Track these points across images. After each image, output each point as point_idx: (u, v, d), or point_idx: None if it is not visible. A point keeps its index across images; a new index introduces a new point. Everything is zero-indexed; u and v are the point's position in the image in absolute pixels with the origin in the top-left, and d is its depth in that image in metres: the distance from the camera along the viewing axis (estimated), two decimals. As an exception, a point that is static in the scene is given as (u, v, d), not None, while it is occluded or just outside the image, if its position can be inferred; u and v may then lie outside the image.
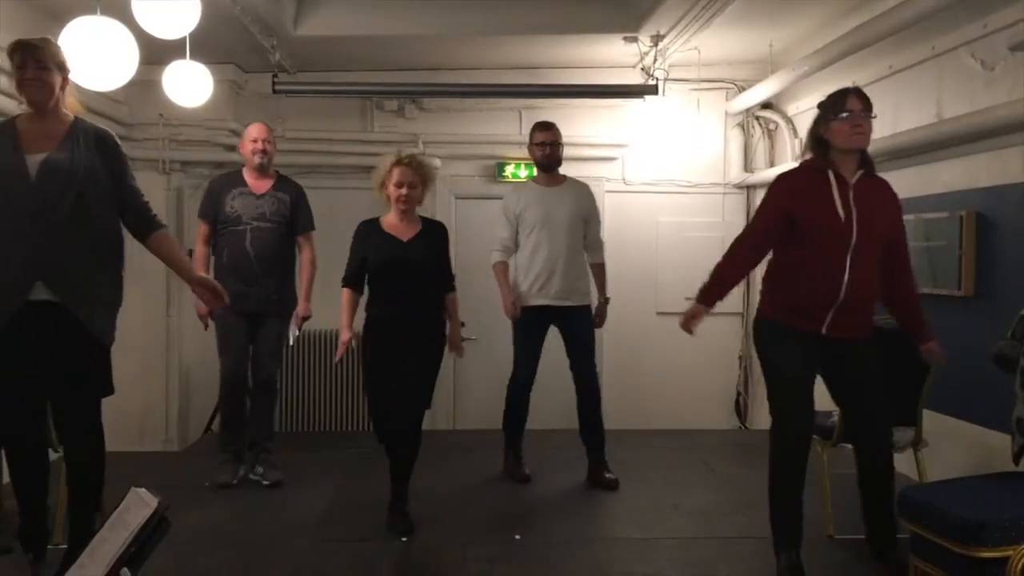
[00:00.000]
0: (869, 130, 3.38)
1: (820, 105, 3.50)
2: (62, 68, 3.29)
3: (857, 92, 3.41)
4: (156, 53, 4.45)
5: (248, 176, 4.84)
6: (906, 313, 3.55)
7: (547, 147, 4.94)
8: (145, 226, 3.39)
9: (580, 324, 4.90)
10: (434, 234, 4.29)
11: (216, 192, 4.83)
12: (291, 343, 4.93)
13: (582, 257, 4.97)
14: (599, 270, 5.02)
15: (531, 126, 5.12)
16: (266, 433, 4.94)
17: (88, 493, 3.35)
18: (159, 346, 6.47)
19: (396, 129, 6.91)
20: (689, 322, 3.49)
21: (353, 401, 6.80)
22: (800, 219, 3.38)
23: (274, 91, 6.20)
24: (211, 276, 4.77)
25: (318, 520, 4.26)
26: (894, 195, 3.54)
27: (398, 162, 4.19)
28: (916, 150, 4.88)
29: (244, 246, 4.72)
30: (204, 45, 4.93)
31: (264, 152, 4.79)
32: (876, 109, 5.28)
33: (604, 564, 3.73)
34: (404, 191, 4.14)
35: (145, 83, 4.74)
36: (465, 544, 3.56)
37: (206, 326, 4.91)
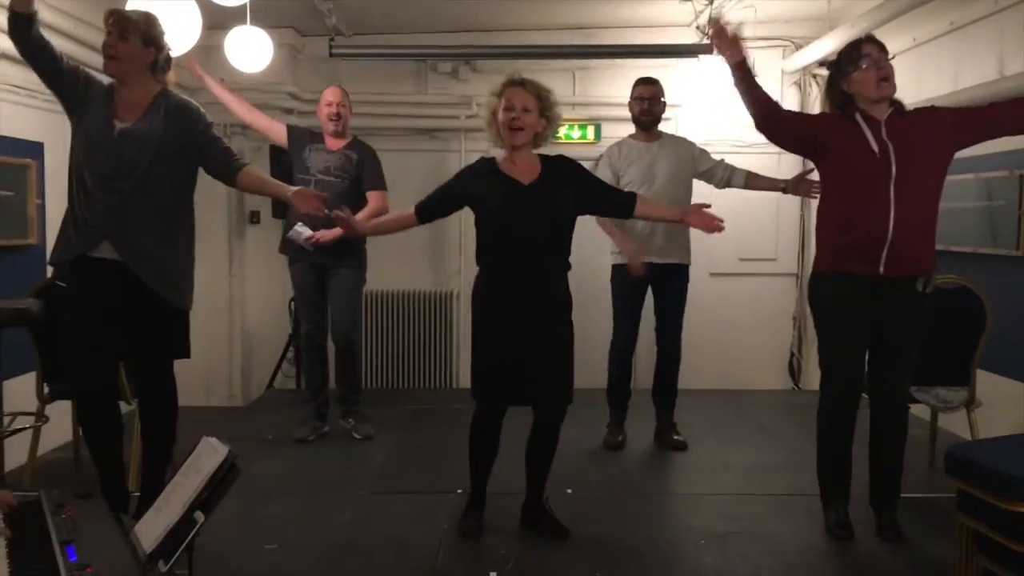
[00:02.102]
0: (893, 74, 3.35)
1: (832, 62, 3.48)
2: (150, 43, 3.40)
3: (870, 39, 3.39)
4: (216, 18, 4.56)
5: (326, 135, 4.99)
6: None
7: (645, 102, 4.79)
8: (229, 169, 3.52)
9: (674, 287, 4.81)
10: (562, 172, 3.47)
11: (298, 136, 4.99)
12: (295, 236, 4.84)
13: None
14: (753, 178, 4.79)
15: (633, 82, 4.93)
16: (352, 388, 5.11)
17: (160, 446, 3.54)
18: (223, 306, 6.67)
19: (450, 91, 6.96)
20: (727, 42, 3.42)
21: (409, 359, 6.96)
22: (832, 152, 3.39)
23: (331, 55, 6.26)
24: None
25: (378, 473, 4.41)
26: (930, 109, 3.48)
27: (510, 82, 3.42)
28: (977, 108, 4.80)
29: None
30: (263, 9, 5.03)
31: (338, 116, 4.90)
32: (936, 66, 5.28)
33: (654, 517, 3.82)
34: (515, 114, 3.34)
35: (205, 48, 4.85)
36: (517, 498, 3.66)
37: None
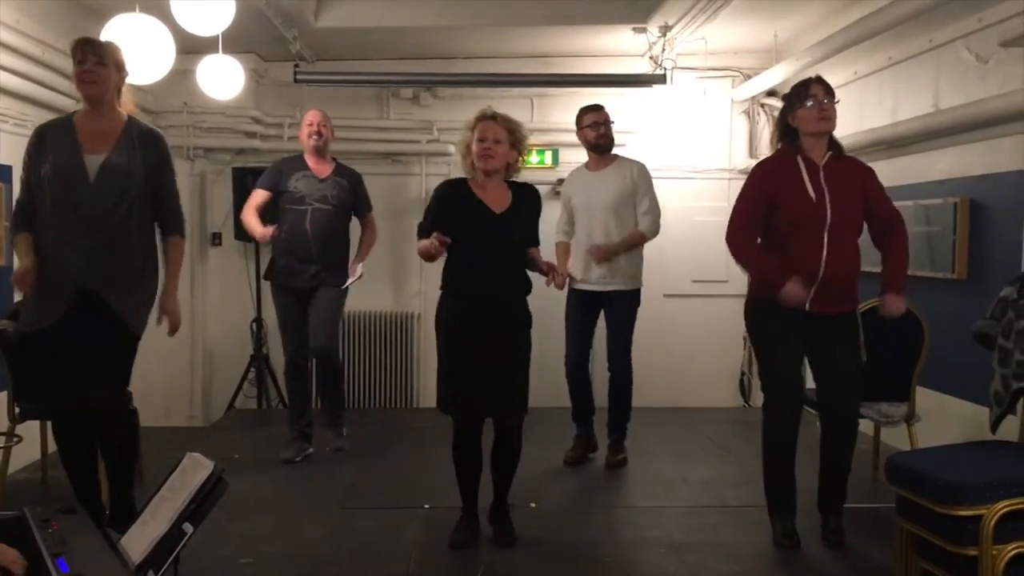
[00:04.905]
0: (834, 114, 3.59)
1: (785, 96, 3.72)
2: (120, 68, 3.48)
3: (819, 80, 3.62)
4: (181, 43, 4.65)
5: (309, 160, 4.98)
6: (888, 261, 3.67)
7: (601, 126, 4.92)
8: (169, 228, 3.61)
9: (620, 310, 4.91)
10: (525, 200, 3.70)
11: (281, 170, 4.97)
12: (344, 285, 4.97)
13: None
14: (635, 234, 4.88)
15: (577, 112, 5.07)
16: (334, 403, 5.13)
17: (123, 463, 3.60)
18: (184, 327, 6.60)
19: (411, 116, 7.11)
20: (794, 298, 3.52)
21: (370, 379, 7.05)
22: (778, 203, 3.58)
23: (295, 80, 6.40)
24: (269, 251, 5.05)
25: (346, 490, 4.50)
26: (867, 169, 3.72)
27: (482, 117, 3.63)
28: (914, 139, 5.08)
29: (304, 225, 4.85)
30: (227, 35, 5.13)
31: (319, 134, 4.92)
32: (877, 98, 5.56)
33: (616, 529, 3.97)
34: (487, 144, 3.56)
35: (171, 72, 4.95)
36: (483, 511, 3.79)
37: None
